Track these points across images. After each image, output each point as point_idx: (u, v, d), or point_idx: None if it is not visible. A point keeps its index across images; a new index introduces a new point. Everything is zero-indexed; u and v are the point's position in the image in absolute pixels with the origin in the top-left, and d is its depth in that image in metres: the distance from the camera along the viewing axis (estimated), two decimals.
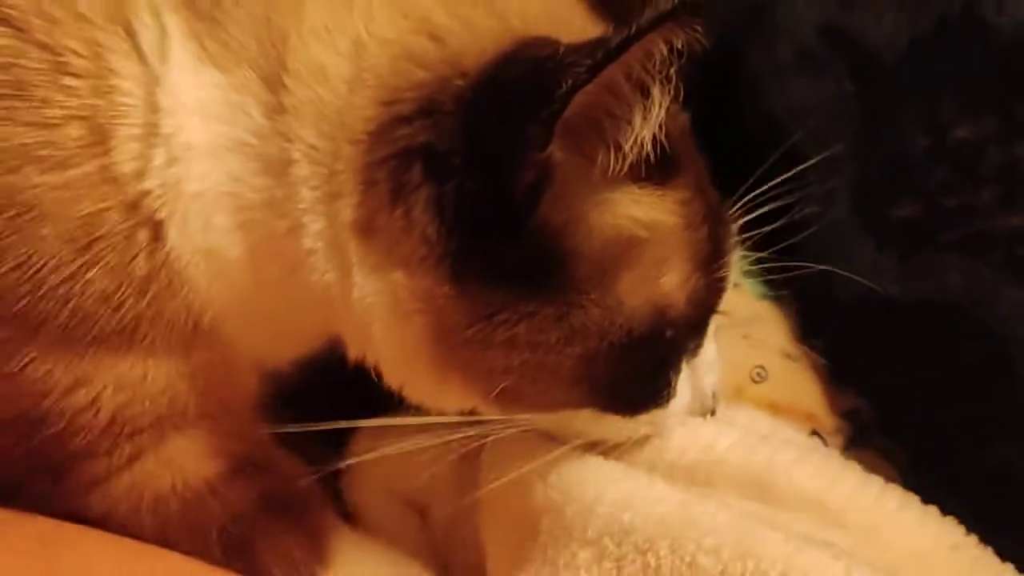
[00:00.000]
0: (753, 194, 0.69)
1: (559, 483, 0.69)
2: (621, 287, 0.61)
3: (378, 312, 0.61)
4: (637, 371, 0.64)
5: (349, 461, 0.74)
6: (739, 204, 0.69)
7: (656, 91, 0.57)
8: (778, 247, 0.76)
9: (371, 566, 0.74)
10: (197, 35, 0.61)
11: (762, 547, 0.63)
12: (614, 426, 0.67)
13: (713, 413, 0.71)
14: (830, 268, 0.75)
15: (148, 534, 0.68)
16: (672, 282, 0.63)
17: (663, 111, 0.59)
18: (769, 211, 0.70)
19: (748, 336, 0.84)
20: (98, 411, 0.64)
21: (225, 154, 0.61)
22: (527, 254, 0.59)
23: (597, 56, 0.54)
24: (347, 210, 0.60)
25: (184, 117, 0.61)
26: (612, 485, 0.68)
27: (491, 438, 0.67)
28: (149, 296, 0.62)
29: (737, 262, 0.79)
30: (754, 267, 0.83)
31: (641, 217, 0.62)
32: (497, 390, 0.62)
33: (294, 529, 0.71)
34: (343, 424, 0.72)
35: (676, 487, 0.68)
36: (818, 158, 0.76)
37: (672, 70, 0.57)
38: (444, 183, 0.59)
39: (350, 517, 0.78)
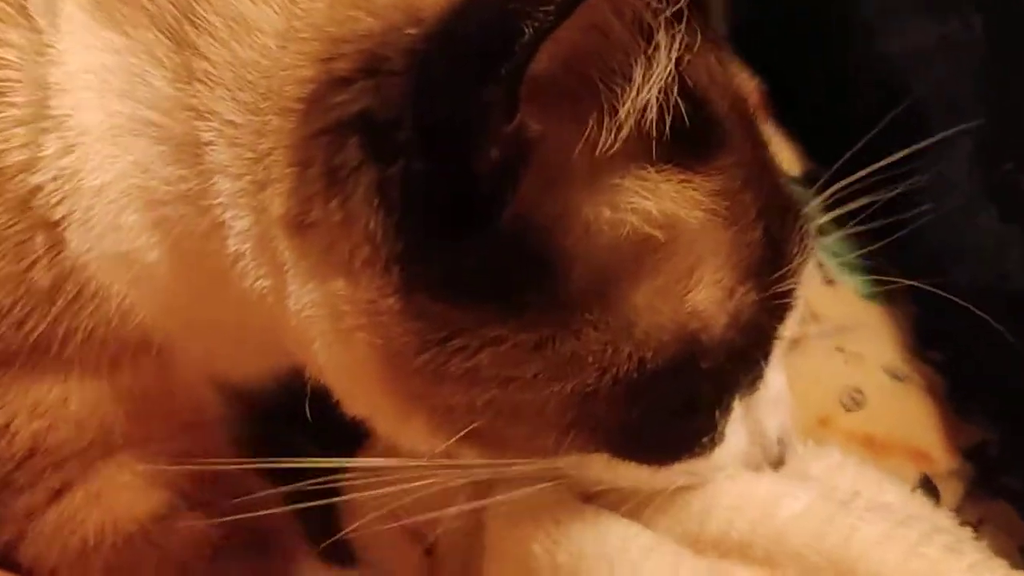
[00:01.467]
0: (861, 174, 0.57)
1: (567, 562, 0.55)
2: (632, 304, 0.49)
3: (317, 328, 0.52)
4: (658, 413, 0.52)
5: (346, 497, 0.65)
6: (838, 185, 0.57)
7: (661, 33, 0.45)
8: (882, 227, 0.64)
9: None
10: None
11: None
12: (638, 475, 0.55)
13: (781, 464, 0.57)
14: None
15: None
16: (706, 297, 0.50)
17: (671, 62, 0.46)
18: (874, 185, 0.59)
19: (843, 348, 0.72)
20: (14, 438, 0.58)
21: (128, 138, 0.52)
22: (495, 259, 0.48)
23: None
24: (276, 200, 0.51)
25: (78, 93, 0.52)
26: (628, 567, 0.54)
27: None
28: (56, 309, 0.55)
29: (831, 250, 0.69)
30: (853, 256, 0.73)
31: (652, 211, 0.49)
32: (462, 432, 0.52)
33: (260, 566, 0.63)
34: (327, 463, 0.60)
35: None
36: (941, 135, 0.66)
37: (682, 3, 0.44)
38: (388, 164, 0.48)
39: (344, 551, 0.69)
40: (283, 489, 0.60)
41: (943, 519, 0.58)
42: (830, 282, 0.74)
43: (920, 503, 0.60)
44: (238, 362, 0.64)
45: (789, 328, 0.55)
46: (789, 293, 0.53)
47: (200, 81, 0.50)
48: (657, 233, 0.49)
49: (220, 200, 0.51)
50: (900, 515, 0.55)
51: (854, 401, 0.70)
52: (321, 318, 0.51)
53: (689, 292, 0.50)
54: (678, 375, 0.51)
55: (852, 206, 0.59)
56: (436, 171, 0.47)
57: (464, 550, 0.65)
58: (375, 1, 0.49)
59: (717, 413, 0.54)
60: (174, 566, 0.61)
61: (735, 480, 0.56)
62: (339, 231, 0.49)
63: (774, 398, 0.56)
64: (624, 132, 0.46)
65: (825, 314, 0.72)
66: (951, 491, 0.67)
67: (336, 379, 0.54)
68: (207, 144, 0.51)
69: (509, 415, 0.51)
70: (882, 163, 0.58)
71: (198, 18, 0.50)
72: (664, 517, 0.57)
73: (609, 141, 0.47)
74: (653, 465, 0.54)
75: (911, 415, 0.70)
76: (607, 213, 0.49)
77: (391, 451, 0.58)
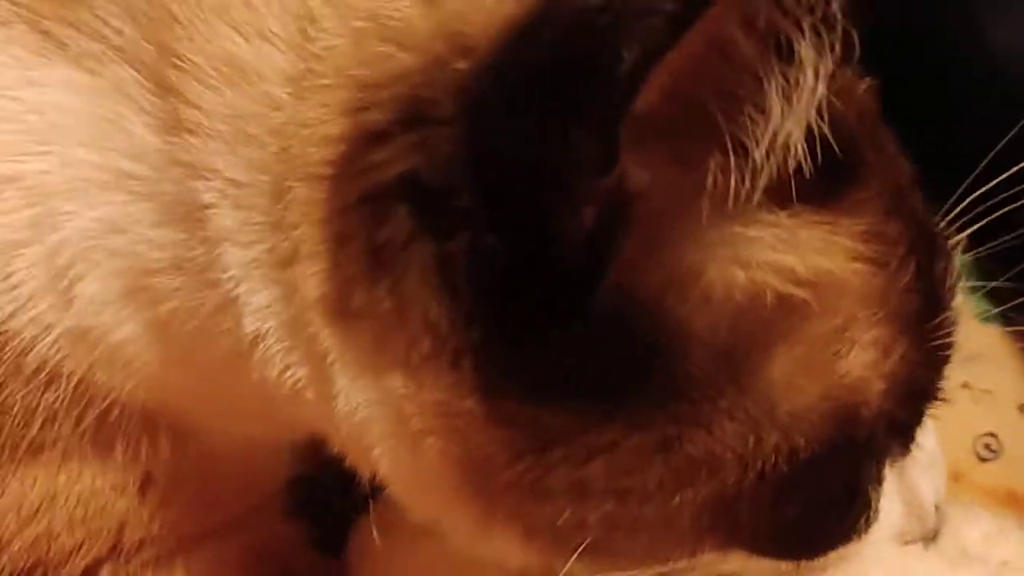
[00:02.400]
0: (979, 192, 0.49)
1: None
2: (772, 382, 0.41)
3: (377, 432, 0.44)
4: (814, 507, 0.44)
5: None
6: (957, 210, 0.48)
7: (804, 47, 0.36)
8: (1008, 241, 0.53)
9: None
10: (38, 18, 0.45)
11: None
12: (781, 569, 0.48)
13: (936, 535, 0.51)
14: None
15: None
16: (862, 363, 0.42)
17: (822, 83, 0.36)
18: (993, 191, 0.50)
19: (968, 386, 0.65)
20: (10, 548, 0.51)
21: (91, 191, 0.45)
22: (597, 348, 0.40)
23: None
24: (310, 282, 0.42)
25: (17, 137, 0.45)
26: None
27: None
28: (29, 391, 0.48)
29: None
30: (974, 274, 0.62)
31: (797, 267, 0.41)
32: (572, 553, 0.44)
33: None
34: None
35: None
36: None
37: (834, 7, 0.35)
38: (447, 238, 0.39)
39: None
40: None
41: None
42: None
43: None
44: (271, 434, 0.55)
45: (946, 385, 0.47)
46: (948, 344, 0.45)
47: (191, 132, 0.42)
48: (801, 292, 0.41)
49: (231, 273, 0.43)
50: None
51: (989, 449, 0.62)
52: (381, 419, 0.43)
53: (841, 357, 0.42)
54: (834, 460, 0.43)
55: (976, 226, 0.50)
56: (511, 245, 0.38)
57: None
58: (413, 32, 0.40)
59: (871, 488, 0.46)
60: None
61: (885, 562, 0.50)
62: (391, 321, 0.41)
63: (927, 460, 0.50)
64: (762, 178, 0.37)
65: None
66: None
67: (403, 489, 0.46)
68: (208, 207, 0.43)
69: (629, 528, 0.43)
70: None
71: (179, 58, 0.42)
72: None
73: (743, 188, 0.37)
74: (801, 559, 0.47)
75: None
76: (734, 274, 0.40)
77: None
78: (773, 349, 0.41)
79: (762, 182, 0.38)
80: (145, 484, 0.52)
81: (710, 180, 0.38)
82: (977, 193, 0.50)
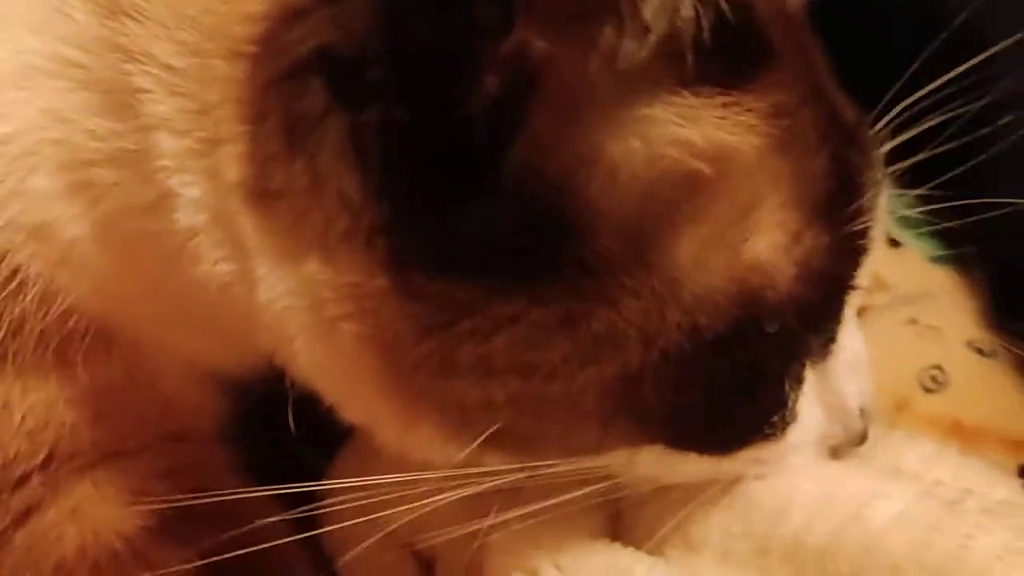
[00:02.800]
0: (909, 100, 0.48)
1: None
2: (677, 260, 0.42)
3: (296, 322, 0.44)
4: (718, 392, 0.44)
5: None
6: (888, 118, 0.48)
7: None
8: (952, 180, 0.54)
9: None
10: None
11: None
12: (697, 469, 0.47)
13: (864, 441, 0.49)
14: None
15: None
16: (769, 245, 0.43)
17: None
18: (939, 129, 0.50)
19: (916, 321, 0.64)
20: None
21: (39, 79, 0.45)
22: (502, 221, 0.40)
23: None
24: (231, 165, 0.43)
25: None
26: None
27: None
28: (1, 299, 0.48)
29: (891, 208, 0.58)
30: (921, 215, 0.63)
31: (697, 140, 0.41)
32: (482, 435, 0.43)
33: None
34: (314, 485, 0.54)
35: None
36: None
37: None
38: (358, 110, 0.40)
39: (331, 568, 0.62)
40: (284, 516, 0.53)
41: None
42: (895, 243, 0.65)
43: None
44: (214, 354, 0.56)
45: (864, 275, 0.47)
46: (864, 233, 0.45)
47: (129, 16, 0.43)
48: (703, 167, 0.41)
49: (164, 162, 0.44)
50: (1022, 518, 0.45)
51: (935, 381, 0.61)
52: (299, 309, 0.44)
53: (747, 239, 0.42)
54: (740, 344, 0.43)
55: (916, 158, 0.50)
56: (420, 115, 0.39)
57: (467, 568, 0.55)
58: None
59: (787, 386, 0.46)
60: None
61: (816, 473, 0.48)
62: (308, 199, 0.42)
63: (850, 361, 0.49)
64: (652, 37, 0.38)
65: (892, 281, 0.63)
66: None
67: (324, 382, 0.46)
68: (142, 92, 0.43)
69: (537, 410, 0.43)
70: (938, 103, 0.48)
71: None
72: (725, 514, 0.48)
73: (632, 50, 0.38)
74: (715, 455, 0.46)
75: (1003, 397, 0.61)
76: (638, 147, 0.40)
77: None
78: (679, 229, 0.41)
79: (652, 41, 0.38)
80: (92, 397, 0.52)
81: (603, 44, 0.38)
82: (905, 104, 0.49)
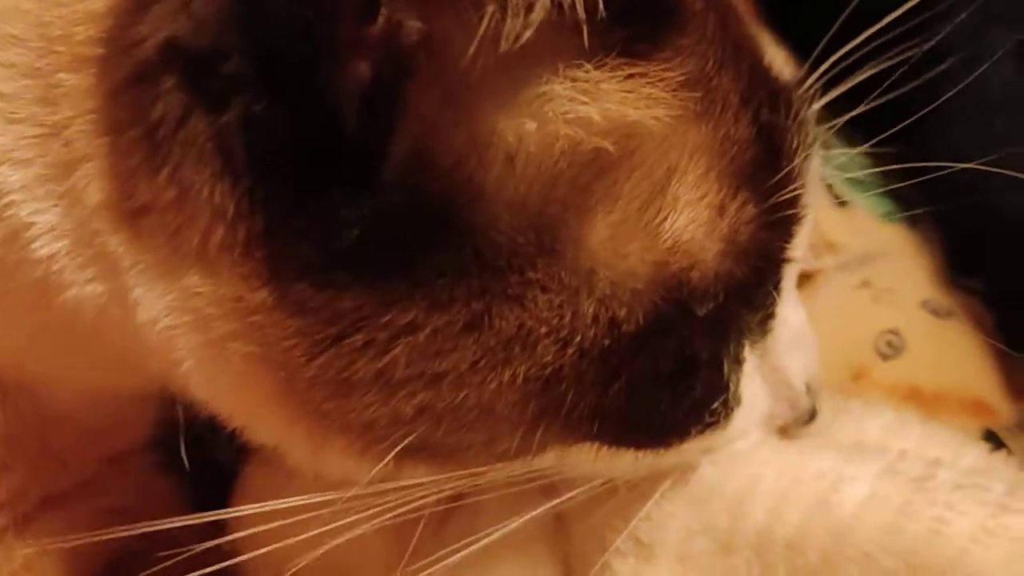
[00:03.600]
0: (846, 49, 0.45)
1: None
2: (588, 248, 0.39)
3: (184, 343, 0.40)
4: (647, 386, 0.41)
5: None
6: (823, 70, 0.45)
7: None
8: (897, 134, 0.51)
9: None
10: None
11: None
12: (636, 463, 0.44)
13: (812, 419, 0.46)
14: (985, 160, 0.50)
15: None
16: (691, 222, 0.39)
17: None
18: (885, 83, 0.47)
19: (869, 283, 0.61)
20: None
21: None
22: (387, 220, 0.37)
23: None
24: (92, 186, 0.39)
25: None
26: None
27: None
28: None
29: (837, 167, 0.57)
30: (870, 173, 0.62)
31: (597, 116, 0.38)
32: (393, 451, 0.40)
33: None
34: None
35: None
36: None
37: None
38: (220, 109, 0.36)
39: None
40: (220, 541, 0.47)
41: None
42: (841, 203, 0.63)
43: (1008, 466, 0.46)
44: (114, 382, 0.51)
45: (799, 246, 0.44)
46: (795, 201, 0.42)
47: None
48: (606, 144, 0.38)
49: (12, 197, 0.40)
50: (998, 488, 0.42)
51: (891, 346, 0.59)
52: (184, 329, 0.40)
53: (664, 217, 0.39)
54: (666, 332, 0.40)
55: (859, 109, 0.46)
56: (285, 109, 0.35)
57: None
58: None
59: (726, 368, 0.43)
60: None
61: (778, 457, 0.44)
62: (178, 212, 0.38)
63: (793, 337, 0.46)
64: (536, 14, 0.35)
65: (841, 242, 0.61)
66: (1021, 446, 0.55)
67: (222, 406, 0.43)
68: None
69: (452, 420, 0.40)
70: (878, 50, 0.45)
71: None
72: (684, 510, 0.45)
73: (516, 30, 0.35)
74: (655, 449, 0.43)
75: (961, 358, 0.59)
76: (533, 129, 0.37)
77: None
78: (587, 214, 0.38)
79: (536, 17, 0.35)
80: (10, 444, 0.49)
81: (484, 24, 0.34)
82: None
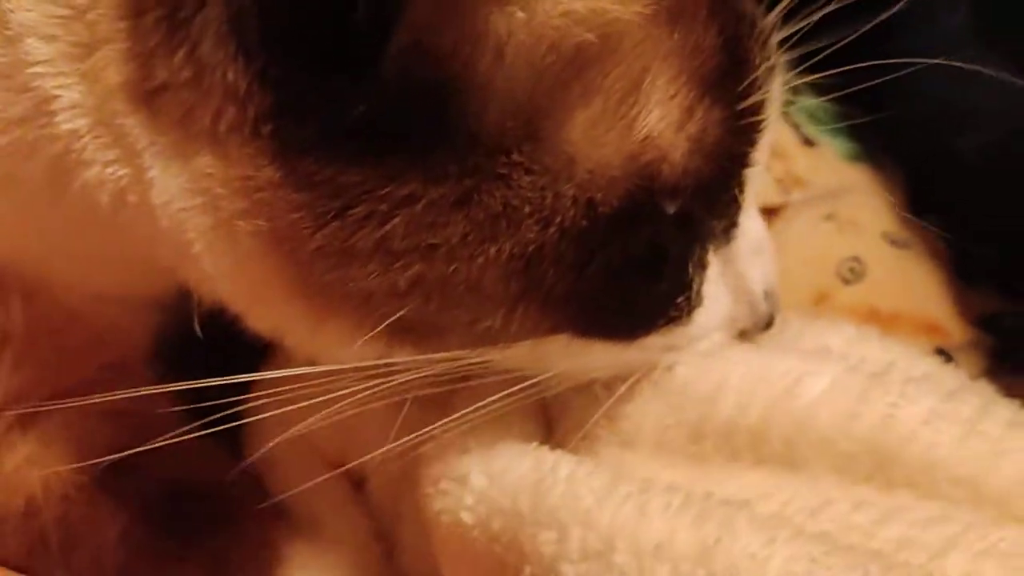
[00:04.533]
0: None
1: (504, 529, 0.45)
2: (569, 136, 0.41)
3: (194, 224, 0.42)
4: (619, 271, 0.43)
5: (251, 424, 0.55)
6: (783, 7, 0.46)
7: None
8: (866, 81, 0.52)
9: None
10: None
11: None
12: (606, 357, 0.46)
13: (771, 324, 0.49)
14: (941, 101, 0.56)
15: (24, 549, 0.53)
16: (662, 119, 0.41)
17: None
18: (846, 25, 0.48)
19: (833, 216, 0.63)
20: None
21: None
22: (389, 100, 0.39)
23: None
24: (111, 67, 0.41)
25: None
26: (584, 519, 0.43)
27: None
28: None
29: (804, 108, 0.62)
30: (835, 115, 0.65)
31: (586, 13, 0.40)
32: (384, 323, 0.42)
33: (218, 532, 0.55)
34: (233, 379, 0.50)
35: (686, 515, 0.42)
36: None
37: None
38: None
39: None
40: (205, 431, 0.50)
41: (987, 390, 0.47)
42: (809, 143, 0.64)
43: (955, 374, 0.49)
44: (121, 283, 0.53)
45: (761, 153, 0.45)
46: (759, 108, 0.44)
47: None
48: (590, 36, 0.40)
49: (37, 69, 0.42)
50: (946, 387, 0.45)
51: (853, 272, 0.61)
52: (195, 210, 0.42)
53: (638, 113, 0.41)
54: (637, 220, 0.42)
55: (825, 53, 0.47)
56: None
57: (397, 482, 0.56)
58: None
59: (690, 268, 0.45)
60: (114, 535, 0.53)
61: (746, 356, 0.47)
62: (193, 91, 0.40)
63: (754, 246, 0.48)
64: None
65: (808, 179, 0.63)
66: (969, 365, 0.58)
67: (228, 288, 0.45)
68: (6, 4, 0.41)
69: (441, 294, 0.42)
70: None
71: None
72: (655, 405, 0.47)
73: None
74: (622, 341, 0.45)
75: (917, 284, 0.61)
76: (523, 19, 0.39)
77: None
78: (570, 104, 0.40)
79: None
80: (28, 341, 0.51)
81: None
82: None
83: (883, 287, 0.60)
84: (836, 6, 0.46)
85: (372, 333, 0.42)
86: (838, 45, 0.49)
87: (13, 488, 0.53)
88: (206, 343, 0.50)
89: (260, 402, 0.51)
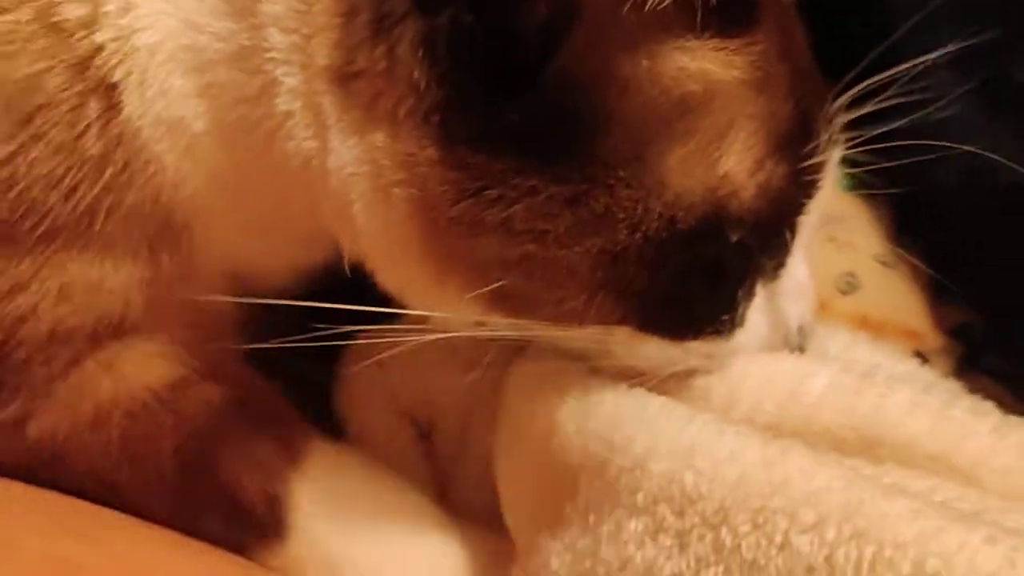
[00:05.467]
0: (874, 80, 0.53)
1: (599, 428, 0.51)
2: (666, 164, 0.47)
3: (358, 187, 0.49)
4: (684, 278, 0.49)
5: (343, 372, 0.64)
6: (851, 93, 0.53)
7: None
8: (864, 121, 0.58)
9: (351, 475, 0.61)
10: None
11: (883, 524, 0.44)
12: (656, 352, 0.52)
13: (802, 351, 0.55)
14: (930, 144, 0.58)
15: (93, 455, 0.57)
16: (738, 164, 0.48)
17: None
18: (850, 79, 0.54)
19: (833, 238, 0.69)
20: (38, 322, 0.54)
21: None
22: (537, 113, 0.47)
23: None
24: (322, 51, 0.48)
25: None
26: (669, 433, 0.50)
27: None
28: (105, 180, 0.52)
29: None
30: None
31: (696, 71, 0.47)
32: (493, 287, 0.49)
33: (262, 435, 0.59)
34: (326, 340, 0.57)
35: (755, 439, 0.49)
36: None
37: None
38: (434, 15, 0.46)
39: (343, 435, 0.65)
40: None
41: (956, 386, 0.56)
42: None
43: (930, 373, 0.58)
44: (258, 258, 0.60)
45: (815, 208, 0.52)
46: (818, 169, 0.51)
47: None
48: (695, 87, 0.47)
49: (272, 55, 0.48)
50: (921, 383, 0.54)
51: (849, 285, 0.67)
52: (361, 176, 0.48)
53: (721, 156, 0.48)
54: (705, 240, 0.49)
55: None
56: (483, 24, 0.45)
57: (460, 434, 0.62)
58: None
59: (740, 293, 0.52)
60: (188, 429, 0.57)
61: (757, 362, 0.53)
62: (384, 80, 0.47)
63: (797, 288, 0.54)
64: None
65: None
66: (942, 366, 0.65)
67: (372, 242, 0.51)
68: None
69: (542, 272, 0.48)
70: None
71: None
72: (680, 409, 0.52)
73: (660, 2, 0.44)
74: (674, 339, 0.51)
75: (901, 298, 0.68)
76: (647, 67, 0.47)
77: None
78: (671, 139, 0.47)
79: (677, 2, 0.44)
80: (156, 284, 0.56)
81: None
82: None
83: (873, 299, 0.67)
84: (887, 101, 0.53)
85: (479, 292, 0.49)
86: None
87: (84, 395, 0.56)
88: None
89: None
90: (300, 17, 0.48)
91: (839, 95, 0.52)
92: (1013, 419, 0.52)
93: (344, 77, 0.48)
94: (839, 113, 0.52)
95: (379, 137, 0.48)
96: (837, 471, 0.47)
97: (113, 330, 0.56)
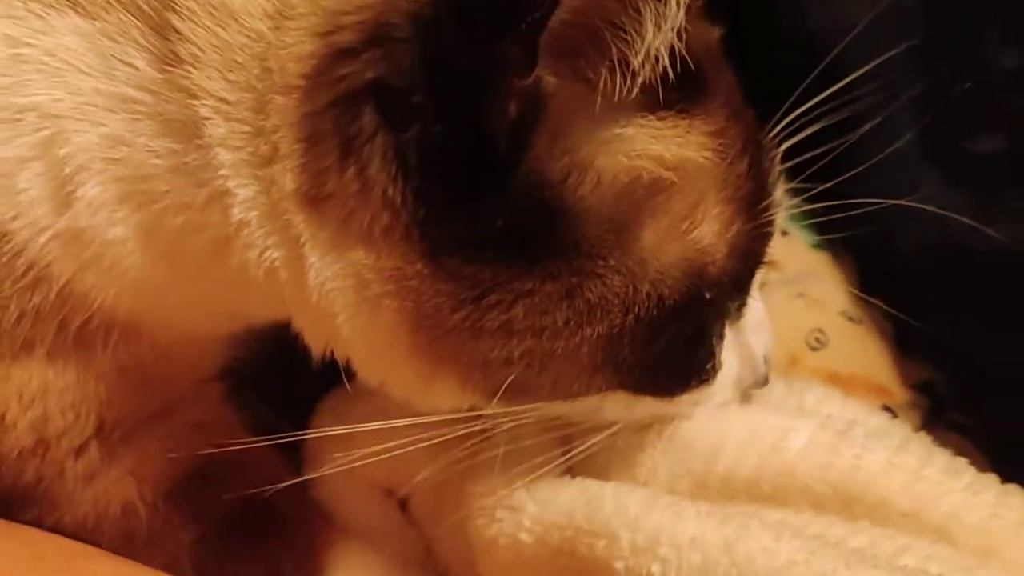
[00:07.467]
0: (793, 115, 0.53)
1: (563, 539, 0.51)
2: (644, 245, 0.47)
3: (341, 301, 0.48)
4: (673, 346, 0.50)
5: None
6: (778, 129, 0.54)
7: None
8: (829, 183, 0.59)
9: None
10: None
11: None
12: (651, 409, 0.54)
13: (767, 382, 0.56)
14: (891, 204, 0.57)
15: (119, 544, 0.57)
16: (710, 232, 0.48)
17: (682, 12, 0.43)
18: (817, 143, 0.56)
19: (803, 295, 0.70)
20: (15, 429, 0.54)
21: (100, 113, 0.48)
22: (517, 215, 0.45)
23: None
24: (287, 176, 0.46)
25: (35, 75, 0.48)
26: (631, 524, 0.50)
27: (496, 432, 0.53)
28: (7, 290, 0.50)
29: (784, 203, 0.63)
30: (804, 210, 0.69)
31: (664, 154, 0.47)
32: (502, 385, 0.48)
33: (276, 537, 0.60)
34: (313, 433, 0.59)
35: (712, 520, 0.49)
36: (865, 69, 0.60)
37: None
38: (404, 129, 0.44)
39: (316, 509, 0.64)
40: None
41: (928, 441, 0.55)
42: (784, 233, 0.71)
43: (904, 428, 0.57)
44: (221, 327, 0.59)
45: (768, 253, 0.53)
46: (771, 221, 0.51)
47: (188, 63, 0.46)
48: (662, 168, 0.47)
49: (223, 172, 0.47)
50: (896, 440, 0.53)
51: (818, 341, 0.68)
52: (344, 290, 0.47)
53: (696, 228, 0.48)
54: (689, 308, 0.49)
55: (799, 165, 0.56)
56: (453, 131, 0.43)
57: (435, 506, 0.61)
58: None
59: (714, 340, 0.52)
60: (204, 526, 0.57)
61: (742, 416, 0.54)
62: (357, 201, 0.45)
63: (757, 321, 0.55)
64: (639, 80, 0.44)
65: (783, 263, 0.70)
66: (910, 420, 0.64)
67: (359, 349, 0.50)
68: (205, 119, 0.46)
69: (542, 363, 0.48)
70: (814, 119, 0.54)
71: (178, 5, 0.46)
72: (666, 460, 0.54)
73: (625, 91, 0.44)
74: (667, 397, 0.52)
75: (868, 353, 0.68)
76: (618, 160, 0.46)
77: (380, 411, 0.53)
78: (646, 220, 0.47)
79: (639, 84, 0.44)
80: (119, 373, 0.54)
81: (602, 84, 0.44)
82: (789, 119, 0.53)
83: (841, 354, 0.67)
84: (822, 124, 0.54)
85: (481, 392, 0.48)
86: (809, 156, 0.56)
87: (113, 496, 0.56)
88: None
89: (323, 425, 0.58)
90: (246, 138, 0.46)
91: (771, 130, 0.53)
92: (986, 477, 0.52)
93: (314, 199, 0.46)
94: (778, 155, 0.53)
95: (360, 254, 0.46)
96: (798, 543, 0.47)
97: (115, 429, 0.56)
